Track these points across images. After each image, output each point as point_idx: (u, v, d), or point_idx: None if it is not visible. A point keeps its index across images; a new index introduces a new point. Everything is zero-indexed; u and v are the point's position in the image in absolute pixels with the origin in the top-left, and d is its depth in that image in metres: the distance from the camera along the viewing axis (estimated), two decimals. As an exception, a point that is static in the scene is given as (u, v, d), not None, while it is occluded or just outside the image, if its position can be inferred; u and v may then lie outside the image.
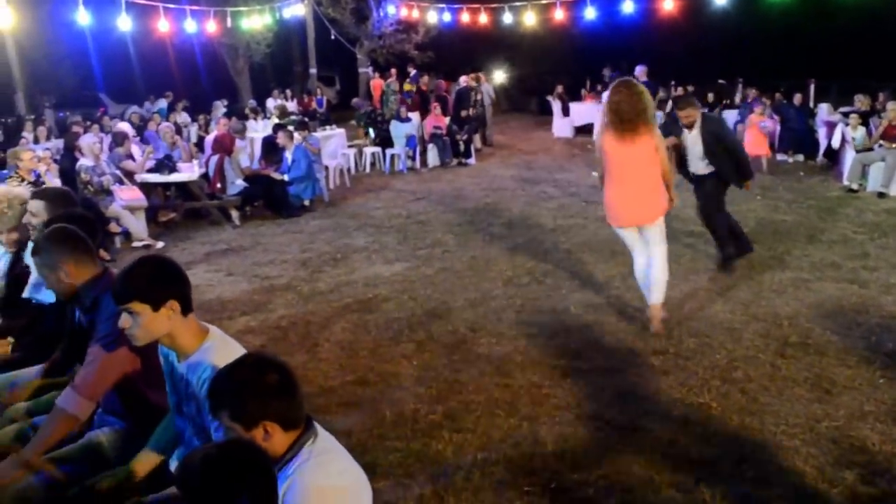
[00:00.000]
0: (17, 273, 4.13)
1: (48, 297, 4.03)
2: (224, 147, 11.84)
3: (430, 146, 15.91)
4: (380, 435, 4.72)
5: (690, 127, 7.40)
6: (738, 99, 19.04)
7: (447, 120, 16.42)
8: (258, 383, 2.28)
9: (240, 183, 11.64)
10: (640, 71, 15.58)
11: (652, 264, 6.20)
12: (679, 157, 7.62)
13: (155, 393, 3.06)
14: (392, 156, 15.75)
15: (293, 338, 6.51)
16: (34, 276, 4.23)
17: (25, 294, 4.16)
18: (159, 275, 2.78)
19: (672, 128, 7.62)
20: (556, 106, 21.01)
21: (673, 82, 20.76)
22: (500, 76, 27.82)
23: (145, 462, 3.01)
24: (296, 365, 5.86)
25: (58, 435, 3.04)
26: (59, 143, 13.71)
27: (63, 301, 3.48)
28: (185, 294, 2.81)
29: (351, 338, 6.43)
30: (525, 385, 5.33)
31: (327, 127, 15.98)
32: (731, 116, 17.06)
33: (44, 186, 5.34)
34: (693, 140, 7.44)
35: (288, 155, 11.94)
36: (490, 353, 5.94)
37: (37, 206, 4.36)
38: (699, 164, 7.53)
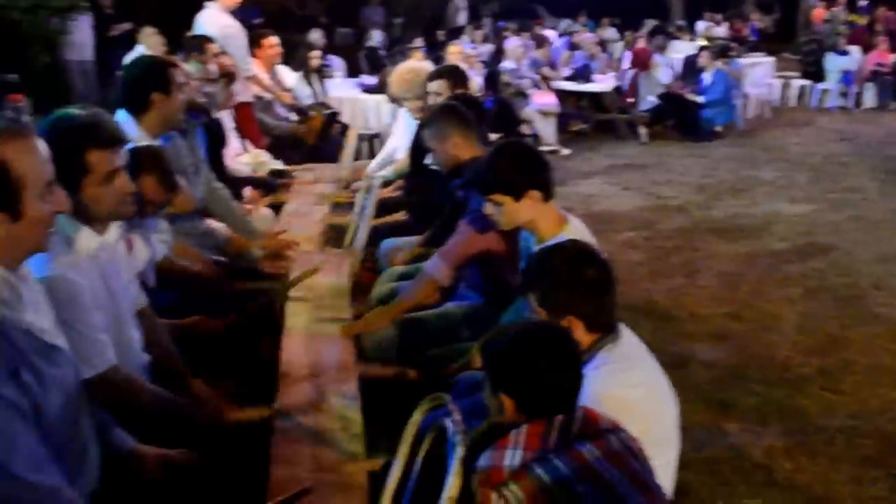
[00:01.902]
0: (419, 143, 4.40)
1: None
2: (640, 62, 11.64)
3: (869, 84, 14.25)
4: (743, 376, 4.42)
5: None
6: None
7: (894, 57, 14.53)
8: (573, 274, 2.14)
9: (652, 100, 11.39)
10: None
11: None
12: None
13: (513, 275, 3.11)
14: (822, 90, 14.40)
15: (675, 259, 6.31)
16: None
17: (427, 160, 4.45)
18: (519, 165, 2.79)
19: None
20: None
21: None
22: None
23: None
24: (671, 287, 5.71)
25: (419, 296, 3.23)
26: (491, 48, 14.45)
27: (447, 173, 3.66)
28: (546, 181, 2.80)
29: (734, 270, 6.07)
30: (923, 357, 4.64)
31: (755, 54, 14.98)
32: None
33: (443, 66, 5.68)
34: None
35: (706, 76, 11.41)
36: (890, 314, 5.24)
37: (439, 84, 4.61)
38: None
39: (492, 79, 10.62)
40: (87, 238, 2.29)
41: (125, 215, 2.44)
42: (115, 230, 2.47)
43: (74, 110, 2.29)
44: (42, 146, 1.74)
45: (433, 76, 4.76)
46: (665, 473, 2.11)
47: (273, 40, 7.09)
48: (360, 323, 3.14)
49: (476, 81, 9.51)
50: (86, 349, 2.13)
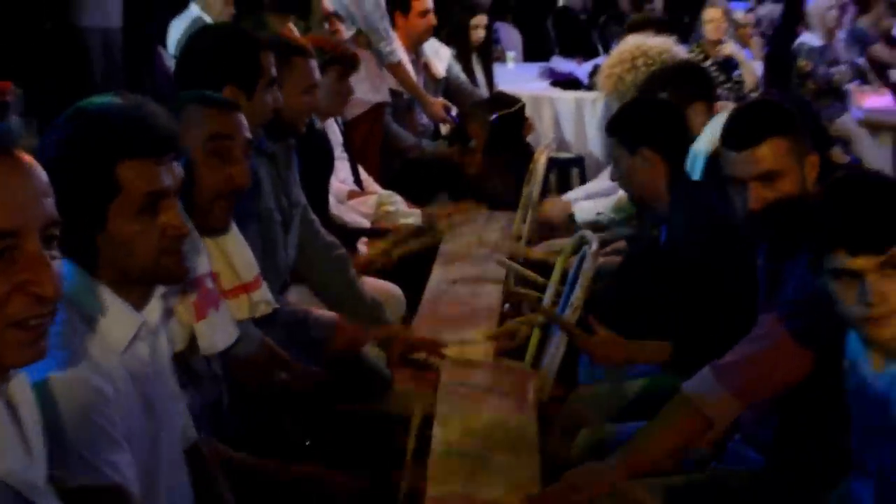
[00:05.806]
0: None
1: None
2: None
3: None
4: None
5: None
6: None
7: None
8: None
9: None
10: None
11: None
12: None
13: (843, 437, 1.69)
14: None
15: None
16: None
17: None
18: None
19: None
20: None
21: None
22: None
23: None
24: None
25: (672, 440, 1.84)
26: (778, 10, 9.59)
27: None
28: None
29: None
30: None
31: None
32: None
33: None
34: None
35: None
36: None
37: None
38: None
39: (778, 65, 6.91)
40: (120, 318, 1.37)
41: (174, 275, 1.43)
42: (157, 304, 1.46)
43: (106, 100, 1.43)
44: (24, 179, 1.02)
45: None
46: None
47: (427, 1, 4.82)
48: (560, 490, 1.77)
49: (752, 69, 6.42)
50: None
